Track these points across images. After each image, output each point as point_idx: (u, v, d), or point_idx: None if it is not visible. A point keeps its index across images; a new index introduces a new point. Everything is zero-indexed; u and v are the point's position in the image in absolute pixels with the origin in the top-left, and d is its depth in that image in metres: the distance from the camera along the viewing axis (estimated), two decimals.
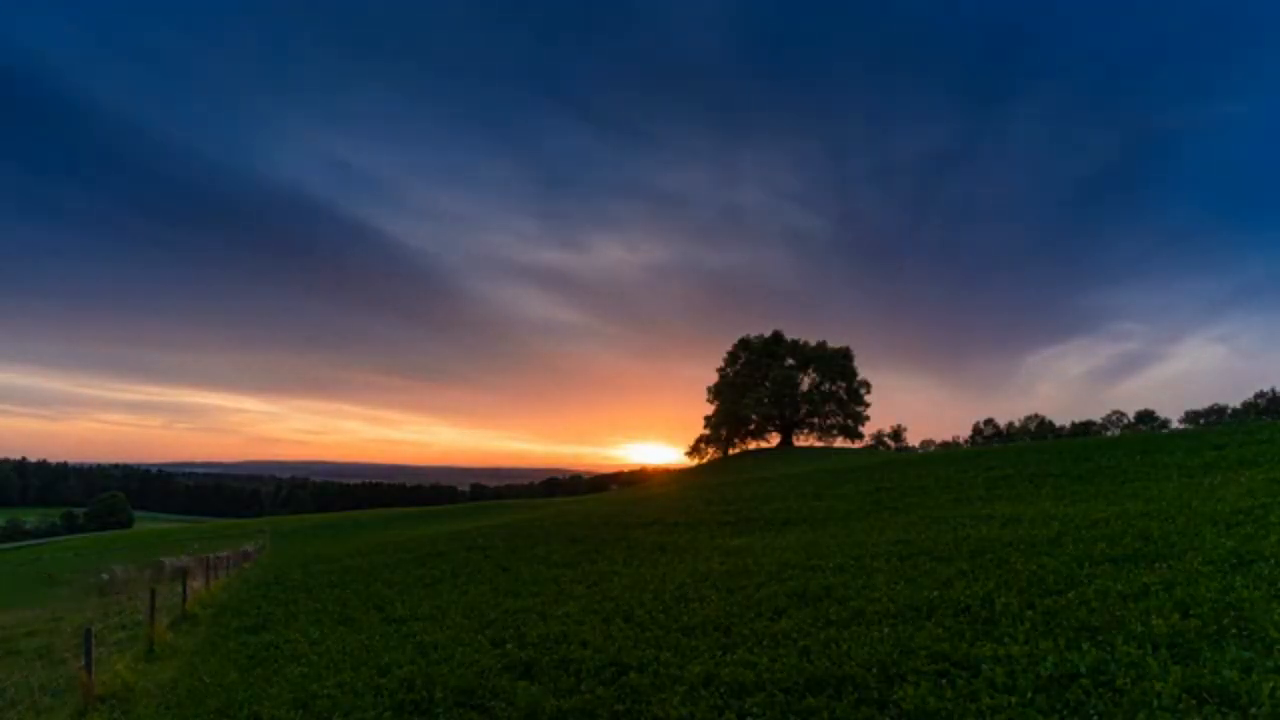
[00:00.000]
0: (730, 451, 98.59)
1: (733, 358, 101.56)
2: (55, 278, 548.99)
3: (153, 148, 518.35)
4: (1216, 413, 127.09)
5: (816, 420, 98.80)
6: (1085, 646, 6.06)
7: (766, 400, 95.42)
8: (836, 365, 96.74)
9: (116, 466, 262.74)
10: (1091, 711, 4.94)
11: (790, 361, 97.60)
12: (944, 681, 5.86)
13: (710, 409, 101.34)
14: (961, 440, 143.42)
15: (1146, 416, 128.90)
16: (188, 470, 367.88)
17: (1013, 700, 5.25)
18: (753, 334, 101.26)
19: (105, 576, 28.68)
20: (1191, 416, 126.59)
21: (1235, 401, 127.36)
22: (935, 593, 8.62)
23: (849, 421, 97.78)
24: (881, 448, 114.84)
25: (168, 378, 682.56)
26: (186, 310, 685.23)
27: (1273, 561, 7.67)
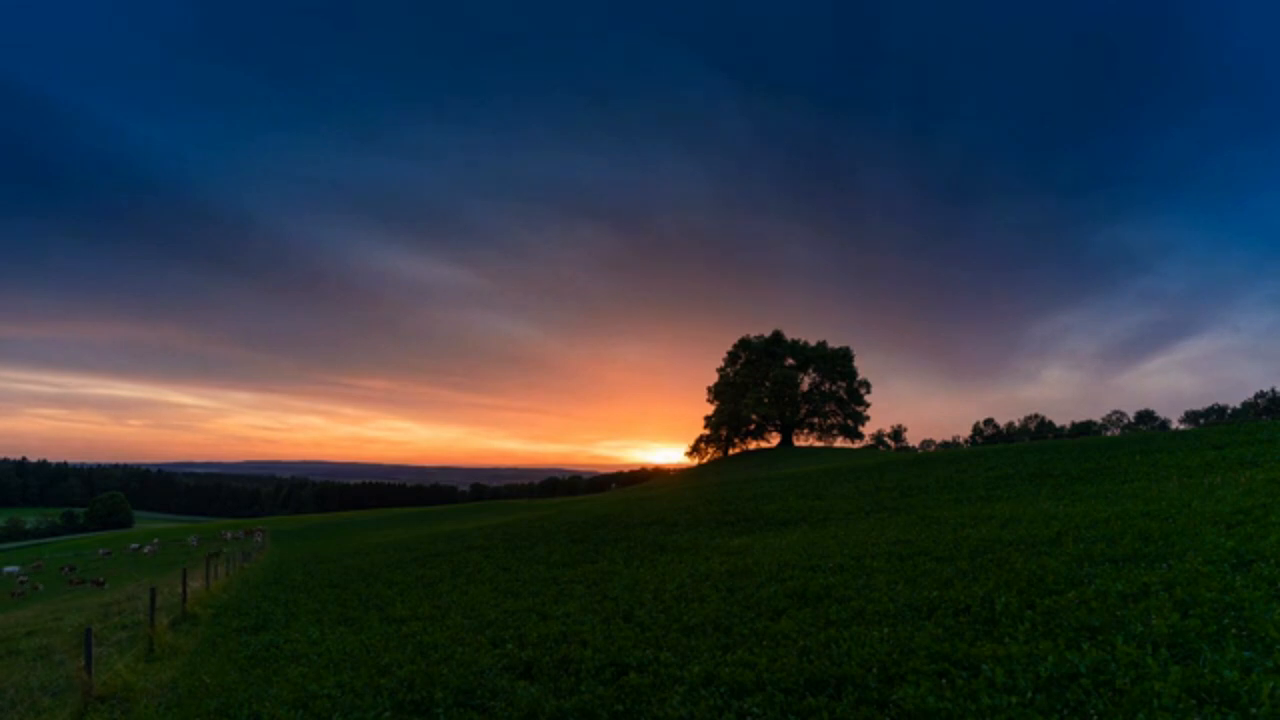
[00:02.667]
0: (730, 451, 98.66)
1: (733, 357, 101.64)
2: None
3: None
4: (1216, 413, 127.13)
5: (816, 420, 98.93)
6: (1085, 646, 6.05)
7: (766, 400, 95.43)
8: (836, 365, 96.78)
9: (117, 466, 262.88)
10: (1091, 711, 4.94)
11: (790, 361, 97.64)
12: (944, 681, 5.85)
13: (710, 408, 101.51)
14: (961, 440, 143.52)
15: (1146, 416, 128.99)
16: (188, 470, 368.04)
17: (1013, 700, 5.25)
18: (753, 334, 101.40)
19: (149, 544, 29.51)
20: (1191, 416, 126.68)
21: (1235, 401, 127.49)
22: (935, 593, 8.61)
23: (849, 421, 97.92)
24: (881, 448, 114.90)
25: (72, 366, 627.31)
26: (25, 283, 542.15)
27: (1273, 561, 7.67)
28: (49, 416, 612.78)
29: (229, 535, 59.17)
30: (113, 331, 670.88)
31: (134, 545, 58.73)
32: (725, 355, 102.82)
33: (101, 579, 37.05)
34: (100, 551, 58.87)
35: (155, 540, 61.96)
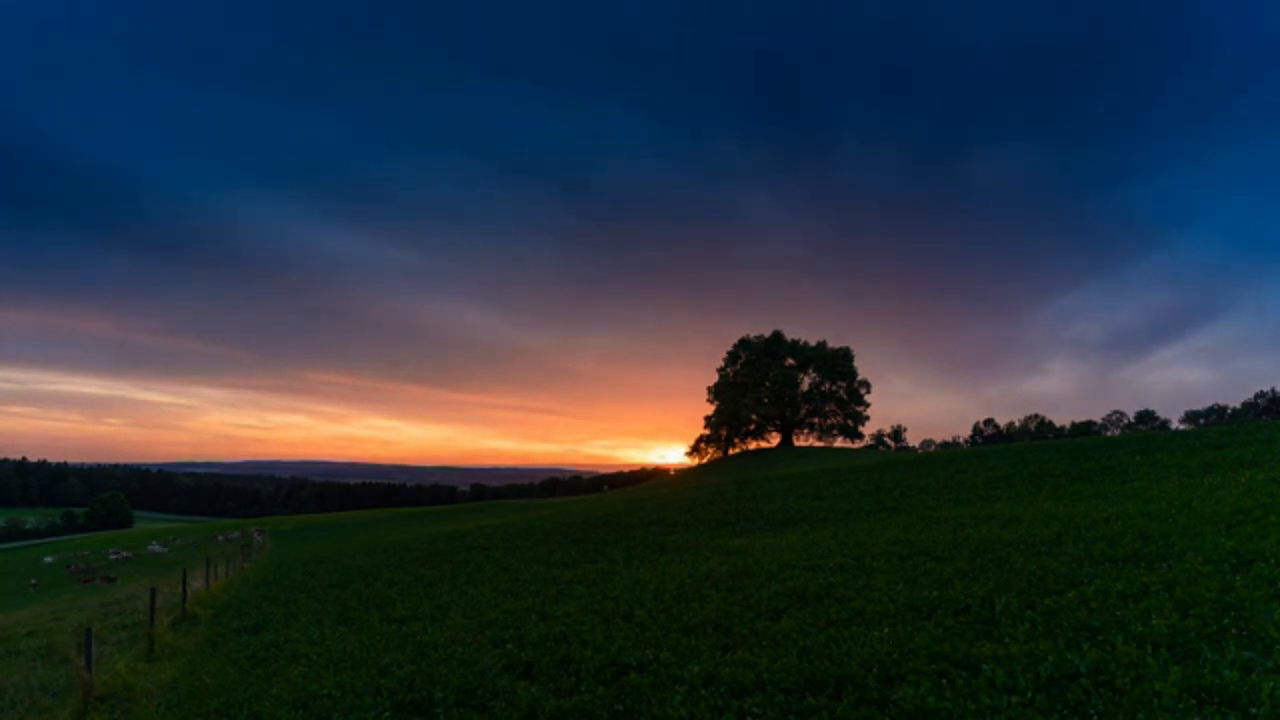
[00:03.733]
0: (730, 451, 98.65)
1: (732, 357, 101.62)
2: None
3: None
4: (1216, 413, 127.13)
5: (816, 420, 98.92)
6: (1085, 646, 6.06)
7: (766, 400, 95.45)
8: (836, 365, 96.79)
9: (117, 466, 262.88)
10: (1091, 711, 4.94)
11: (790, 361, 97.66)
12: (944, 681, 5.86)
13: (710, 409, 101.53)
14: (961, 440, 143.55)
15: (1146, 416, 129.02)
16: (188, 470, 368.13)
17: (1013, 700, 5.25)
18: (753, 334, 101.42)
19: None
20: (1191, 416, 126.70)
21: (1235, 401, 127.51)
22: (935, 593, 8.62)
23: (849, 421, 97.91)
24: (881, 448, 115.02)
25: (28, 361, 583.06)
26: None
27: (1273, 561, 7.68)
28: (17, 414, 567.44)
29: (221, 538, 59.16)
30: (51, 322, 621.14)
31: (150, 547, 58.81)
32: (725, 355, 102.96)
33: (113, 575, 37.39)
34: (110, 553, 58.97)
35: (153, 542, 62.03)
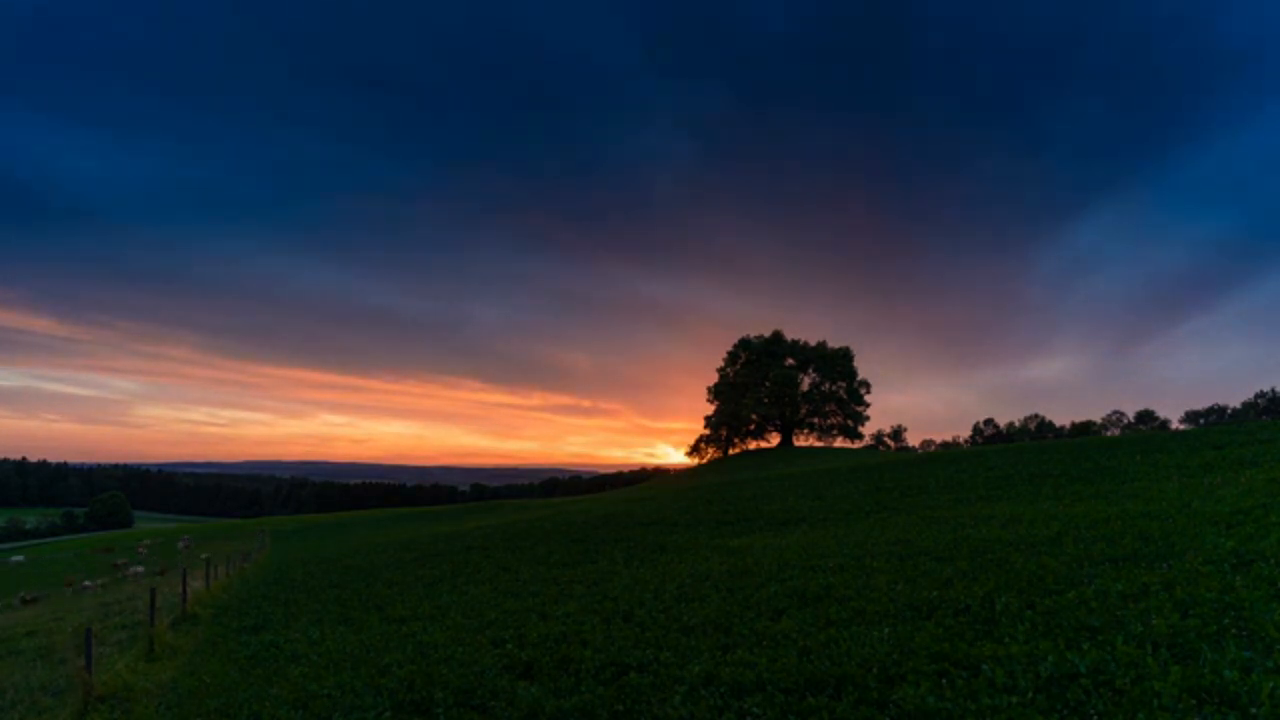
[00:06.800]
0: (730, 451, 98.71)
1: (732, 357, 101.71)
2: None
3: None
4: (1216, 413, 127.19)
5: (816, 420, 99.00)
6: (1085, 646, 6.06)
7: (766, 400, 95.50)
8: (836, 365, 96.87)
9: (117, 466, 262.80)
10: (1091, 711, 4.94)
11: (790, 361, 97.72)
12: (944, 681, 5.85)
13: (710, 408, 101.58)
14: (961, 440, 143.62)
15: (1146, 416, 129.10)
16: (188, 470, 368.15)
17: (1013, 700, 5.25)
18: (752, 334, 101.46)
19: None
20: (1191, 416, 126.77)
21: (1235, 401, 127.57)
22: (935, 593, 8.62)
23: (849, 421, 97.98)
24: (881, 448, 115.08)
25: None
26: None
27: (1273, 561, 7.68)
28: None
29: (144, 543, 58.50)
30: None
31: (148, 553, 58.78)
32: (725, 355, 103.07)
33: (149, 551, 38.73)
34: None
35: (145, 542, 62.03)
